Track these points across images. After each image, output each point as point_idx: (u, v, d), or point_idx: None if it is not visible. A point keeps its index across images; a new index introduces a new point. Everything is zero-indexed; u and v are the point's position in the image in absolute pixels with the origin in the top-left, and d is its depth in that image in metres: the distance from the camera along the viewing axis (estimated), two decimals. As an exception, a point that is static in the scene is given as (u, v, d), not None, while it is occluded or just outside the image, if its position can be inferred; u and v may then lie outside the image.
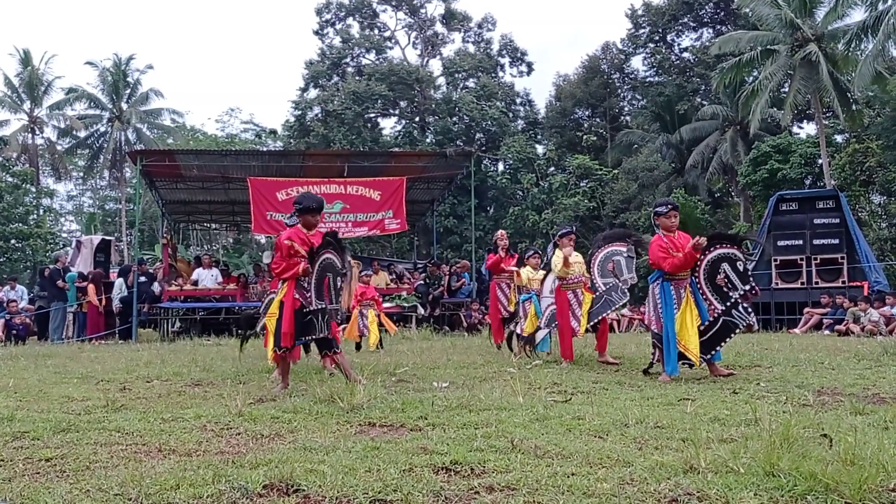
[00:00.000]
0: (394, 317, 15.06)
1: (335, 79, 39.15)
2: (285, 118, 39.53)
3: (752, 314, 6.34)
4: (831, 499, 2.54)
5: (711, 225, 28.66)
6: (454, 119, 37.40)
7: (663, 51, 37.59)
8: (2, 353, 10.27)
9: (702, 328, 6.06)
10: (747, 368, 6.80)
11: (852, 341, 10.55)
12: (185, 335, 14.49)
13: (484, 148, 36.43)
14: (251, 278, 17.59)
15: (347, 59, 39.83)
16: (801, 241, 15.87)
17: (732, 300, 6.07)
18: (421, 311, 15.36)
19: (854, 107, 23.93)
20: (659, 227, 6.29)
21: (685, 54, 37.86)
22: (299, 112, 38.00)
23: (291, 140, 38.00)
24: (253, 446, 3.61)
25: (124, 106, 38.24)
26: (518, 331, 8.43)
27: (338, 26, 40.26)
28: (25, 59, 36.26)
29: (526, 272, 8.60)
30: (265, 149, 36.95)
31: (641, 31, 37.72)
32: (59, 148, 39.17)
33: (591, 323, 7.50)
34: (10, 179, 31.61)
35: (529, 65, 40.70)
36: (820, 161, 23.59)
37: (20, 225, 31.01)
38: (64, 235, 43.10)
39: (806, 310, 14.79)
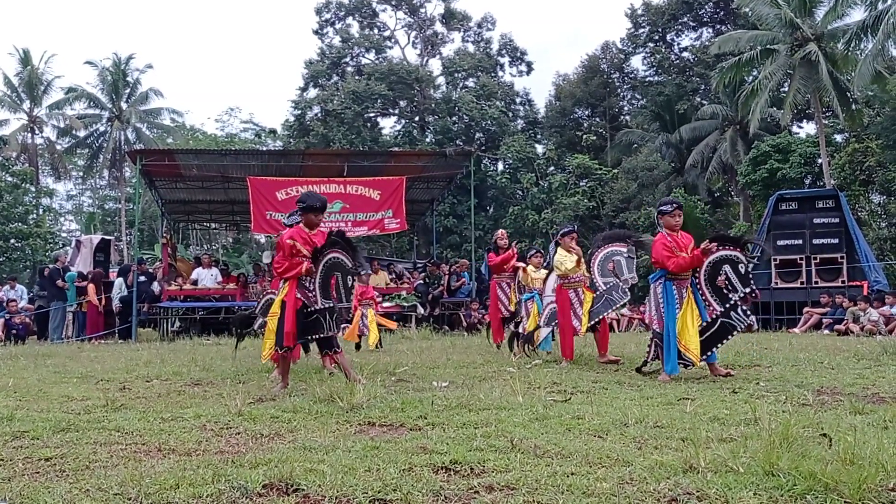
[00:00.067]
0: (393, 316, 15.09)
1: (335, 78, 39.15)
2: (285, 118, 39.60)
3: (751, 317, 6.35)
4: (831, 498, 2.54)
5: (711, 224, 28.67)
6: (454, 119, 37.40)
7: (663, 50, 37.60)
8: (1, 353, 10.27)
9: (700, 328, 6.07)
10: (747, 368, 6.80)
11: (852, 341, 10.55)
12: (184, 335, 14.49)
13: (483, 147, 36.42)
14: (251, 278, 17.59)
15: (347, 59, 39.83)
16: (800, 241, 15.87)
17: (732, 302, 6.07)
18: (420, 310, 15.36)
19: (854, 106, 23.92)
20: (662, 226, 6.29)
21: (685, 54, 37.88)
22: (299, 111, 38.00)
23: (291, 139, 38.00)
24: (252, 446, 3.61)
25: (124, 105, 38.23)
26: (520, 331, 8.44)
27: (337, 26, 40.25)
28: (25, 59, 36.25)
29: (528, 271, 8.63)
30: (265, 148, 36.97)
31: (641, 30, 37.71)
32: (58, 147, 39.15)
33: (592, 322, 7.51)
34: (9, 179, 31.60)
35: (529, 64, 40.74)
36: (819, 160, 23.59)
37: (20, 224, 30.99)
38: (63, 235, 43.10)
39: (805, 309, 14.79)
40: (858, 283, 15.24)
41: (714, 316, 6.10)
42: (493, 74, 39.36)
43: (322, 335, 5.74)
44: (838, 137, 28.08)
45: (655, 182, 31.82)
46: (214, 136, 44.04)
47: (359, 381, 5.49)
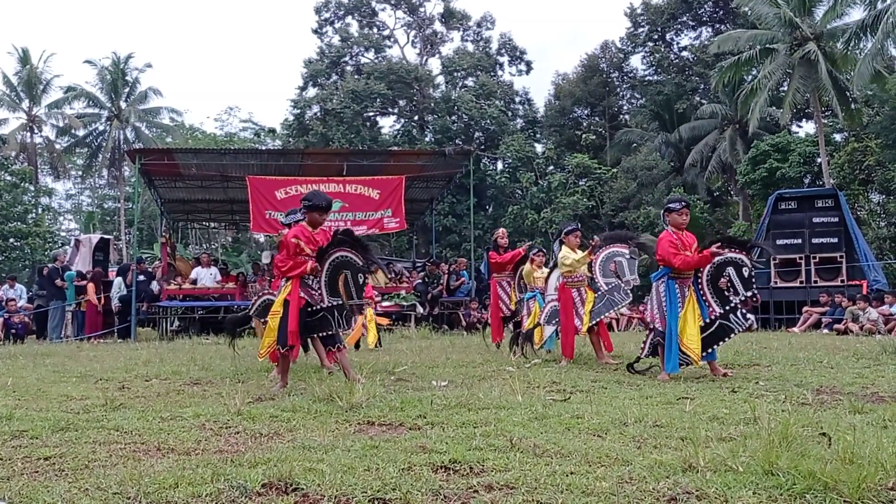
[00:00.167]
0: (392, 315, 15.09)
1: (334, 77, 39.14)
2: (284, 117, 39.69)
3: (750, 319, 6.36)
4: (830, 497, 2.54)
5: (710, 224, 28.70)
6: (453, 118, 37.39)
7: (662, 50, 37.59)
8: (0, 352, 10.27)
9: (699, 327, 6.08)
10: (746, 367, 6.81)
11: (851, 340, 10.57)
12: (183, 334, 14.49)
13: (483, 147, 36.41)
14: (250, 277, 17.57)
15: (346, 58, 39.82)
16: (799, 240, 15.88)
17: (732, 304, 6.08)
18: (420, 309, 15.36)
19: (853, 105, 23.93)
20: (668, 224, 6.29)
21: (684, 53, 37.87)
22: (298, 111, 38.00)
23: (290, 139, 38.01)
24: (252, 445, 3.61)
25: (123, 104, 38.20)
26: (521, 330, 8.44)
27: (337, 25, 40.23)
28: (24, 58, 36.22)
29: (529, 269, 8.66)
30: (264, 147, 36.95)
31: (640, 29, 37.71)
32: (57, 146, 39.13)
33: (593, 322, 7.52)
34: (8, 178, 31.56)
35: (528, 63, 40.71)
36: (819, 160, 23.60)
37: (19, 223, 30.97)
38: (63, 234, 43.07)
39: (805, 309, 14.80)
40: (858, 283, 15.25)
41: (713, 317, 6.10)
42: (492, 74, 39.36)
43: (330, 332, 5.75)
44: (837, 137, 28.09)
45: (655, 181, 31.84)
46: (214, 136, 44.00)
47: (358, 380, 5.49)
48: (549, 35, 70.52)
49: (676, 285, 6.10)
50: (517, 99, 40.90)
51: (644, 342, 6.41)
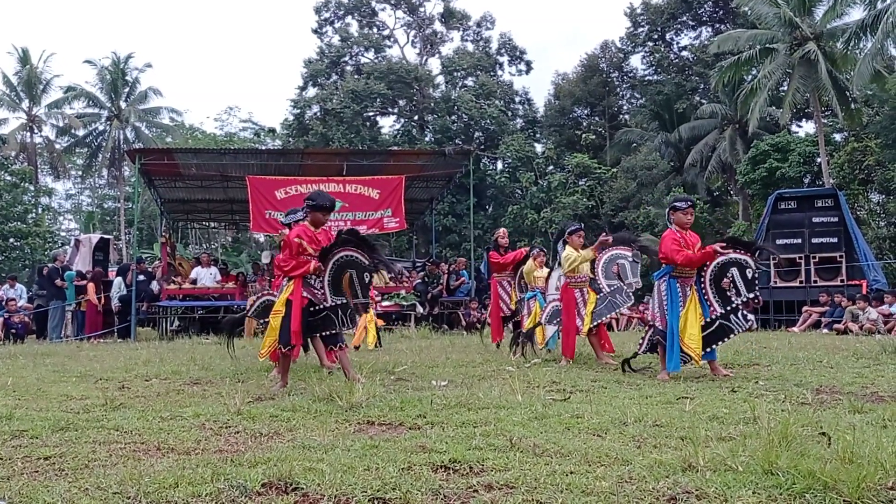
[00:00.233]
0: (392, 315, 15.09)
1: (334, 77, 39.15)
2: (284, 117, 39.73)
3: (751, 321, 6.36)
4: (830, 497, 2.54)
5: (710, 224, 28.70)
6: (453, 118, 37.40)
7: (662, 49, 37.60)
8: (0, 352, 10.27)
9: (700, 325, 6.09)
10: (746, 367, 6.81)
11: (851, 340, 10.57)
12: (183, 334, 14.48)
13: (483, 146, 36.43)
14: (250, 277, 17.57)
15: (346, 58, 39.82)
16: (799, 240, 15.88)
17: (733, 305, 6.08)
18: (420, 309, 15.36)
19: (853, 105, 23.93)
20: (672, 223, 6.28)
21: (684, 53, 37.88)
22: (298, 111, 38.01)
23: (290, 139, 38.02)
24: (252, 445, 3.61)
25: (123, 104, 38.19)
26: (522, 329, 8.44)
27: (337, 25, 40.24)
28: (24, 58, 36.21)
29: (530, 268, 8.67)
30: (264, 147, 36.94)
31: (640, 29, 37.72)
32: (57, 146, 39.12)
33: (595, 323, 7.52)
34: (8, 178, 31.56)
35: (528, 63, 40.72)
36: (819, 160, 23.60)
37: (19, 223, 30.97)
38: (62, 234, 43.07)
39: (804, 308, 14.80)
40: (857, 282, 15.25)
41: (714, 316, 6.10)
42: (492, 73, 39.36)
43: (333, 331, 5.75)
44: (837, 136, 28.10)
45: (654, 181, 31.85)
46: (213, 136, 43.99)
47: (358, 379, 5.49)
48: (549, 35, 70.55)
49: (678, 284, 6.10)
50: (517, 99, 40.91)
51: (643, 337, 6.41)
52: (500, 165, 37.55)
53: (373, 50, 40.29)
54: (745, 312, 6.16)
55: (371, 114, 38.09)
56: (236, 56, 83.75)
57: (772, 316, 15.49)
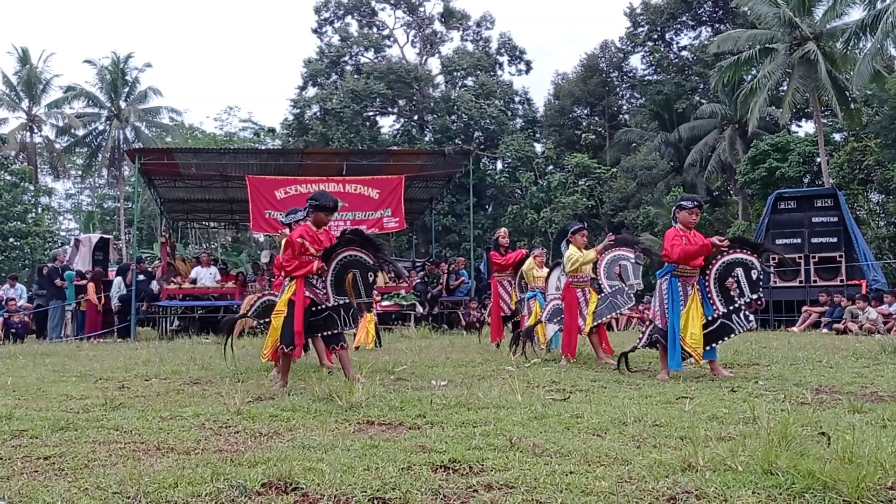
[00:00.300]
0: (392, 315, 15.09)
1: (334, 77, 39.16)
2: (284, 116, 39.74)
3: (752, 322, 6.36)
4: (829, 497, 2.54)
5: (710, 224, 28.69)
6: (453, 117, 37.41)
7: (662, 49, 37.61)
8: (1, 352, 10.27)
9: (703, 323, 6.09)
10: (746, 367, 6.81)
11: (850, 340, 10.57)
12: (183, 333, 14.48)
13: (482, 146, 36.44)
14: (249, 277, 17.57)
15: (346, 58, 39.83)
16: (799, 240, 15.88)
17: (736, 305, 6.07)
18: (419, 309, 15.36)
19: (852, 105, 23.94)
20: (677, 221, 6.27)
21: (684, 53, 37.90)
22: (298, 110, 38.02)
23: (290, 138, 38.02)
24: (251, 444, 3.61)
25: (123, 104, 38.19)
26: (522, 329, 8.44)
27: (336, 25, 40.25)
28: (24, 58, 36.21)
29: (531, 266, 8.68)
30: (264, 147, 36.94)
31: (640, 29, 37.74)
32: (57, 146, 39.12)
33: (595, 324, 7.53)
34: (8, 178, 31.56)
35: (528, 63, 40.75)
36: (818, 159, 23.60)
37: (18, 223, 30.97)
38: (62, 234, 43.08)
39: (804, 308, 14.80)
40: (857, 282, 15.25)
41: (717, 314, 6.10)
42: (491, 73, 39.37)
43: (335, 331, 5.76)
44: (837, 136, 28.10)
45: (654, 181, 31.86)
46: (213, 135, 44.01)
47: (358, 379, 5.49)
48: (548, 35, 70.58)
49: (679, 283, 6.09)
50: (517, 98, 40.93)
51: (643, 332, 6.41)
52: (499, 165, 37.56)
53: (372, 50, 40.31)
54: (747, 313, 6.16)
55: (371, 114, 38.10)
56: (236, 56, 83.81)
57: (771, 316, 15.49)
